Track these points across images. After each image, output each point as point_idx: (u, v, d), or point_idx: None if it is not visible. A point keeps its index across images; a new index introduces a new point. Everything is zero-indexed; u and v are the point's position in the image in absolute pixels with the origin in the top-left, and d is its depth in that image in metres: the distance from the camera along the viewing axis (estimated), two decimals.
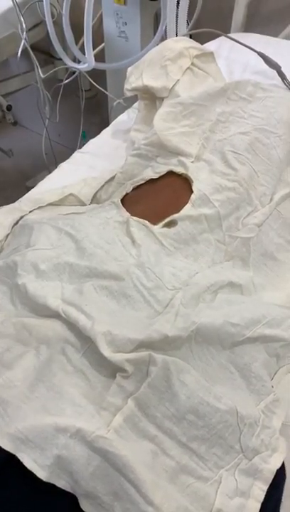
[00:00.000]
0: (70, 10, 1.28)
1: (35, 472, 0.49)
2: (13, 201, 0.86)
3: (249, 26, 1.38)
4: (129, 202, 0.78)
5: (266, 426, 0.58)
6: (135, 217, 0.73)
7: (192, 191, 0.75)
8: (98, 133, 1.10)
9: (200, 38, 1.04)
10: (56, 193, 0.85)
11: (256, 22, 1.39)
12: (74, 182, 0.89)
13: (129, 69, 0.99)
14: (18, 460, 0.50)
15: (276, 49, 1.12)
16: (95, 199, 0.87)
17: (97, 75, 1.50)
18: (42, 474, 0.49)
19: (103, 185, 0.87)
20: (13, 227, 0.79)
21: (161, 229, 0.72)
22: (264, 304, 0.69)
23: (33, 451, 0.50)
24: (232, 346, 0.63)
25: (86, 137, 1.57)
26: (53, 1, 1.48)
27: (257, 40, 1.18)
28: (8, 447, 0.50)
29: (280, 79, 1.06)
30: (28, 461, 0.50)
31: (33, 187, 0.96)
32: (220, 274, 0.69)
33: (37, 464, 0.50)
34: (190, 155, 0.80)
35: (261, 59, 1.07)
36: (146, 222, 0.72)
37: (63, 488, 0.50)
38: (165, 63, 0.92)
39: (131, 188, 0.79)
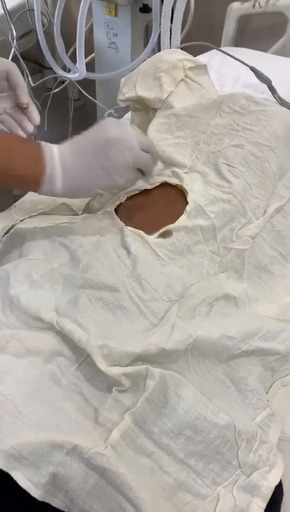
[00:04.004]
0: (61, 20, 1.28)
1: (29, 491, 0.48)
2: (1, 210, 0.85)
3: (238, 41, 1.40)
4: (122, 212, 0.77)
5: (264, 441, 0.57)
6: (130, 227, 0.72)
7: (186, 202, 0.75)
8: None
9: (191, 51, 1.05)
10: (48, 201, 0.84)
11: (246, 37, 1.42)
12: None
13: (122, 80, 0.98)
14: (12, 478, 0.48)
15: (266, 64, 1.13)
16: (87, 208, 0.85)
17: (86, 85, 1.50)
18: (36, 493, 0.48)
19: (96, 195, 0.86)
20: (3, 235, 0.77)
21: (156, 239, 0.71)
22: (259, 316, 0.69)
23: (28, 469, 0.48)
24: (227, 360, 0.63)
25: None
26: (44, 10, 1.48)
27: (248, 54, 1.19)
28: (1, 465, 0.48)
29: (270, 93, 1.07)
30: (22, 480, 0.48)
31: (19, 195, 0.94)
32: (215, 286, 0.69)
33: (31, 483, 0.48)
34: (184, 165, 0.80)
35: (252, 73, 1.08)
36: (141, 232, 0.71)
37: (58, 507, 0.48)
38: (159, 75, 0.92)
39: (124, 198, 0.79)
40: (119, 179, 0.66)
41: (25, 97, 0.78)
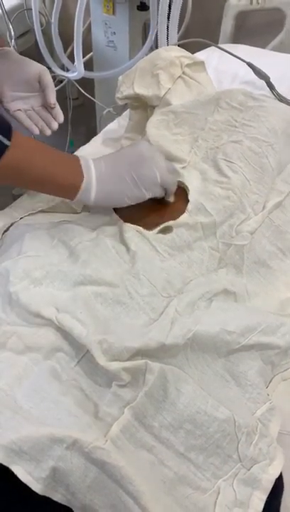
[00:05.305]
0: (59, 18, 1.29)
1: (30, 485, 0.48)
2: (1, 209, 0.85)
3: (236, 38, 1.40)
4: (121, 208, 0.77)
5: (264, 434, 0.57)
6: (129, 224, 0.72)
7: (186, 198, 0.75)
8: (85, 142, 1.10)
9: (189, 48, 1.05)
10: (47, 199, 0.84)
11: (244, 34, 1.41)
12: None
13: (120, 78, 0.98)
14: (12, 472, 0.48)
15: (264, 60, 1.13)
16: (86, 206, 0.86)
17: (85, 83, 1.50)
18: (37, 487, 0.48)
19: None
20: (3, 233, 0.78)
21: (156, 235, 0.72)
22: (259, 311, 0.69)
23: (28, 464, 0.48)
24: (227, 354, 0.63)
25: (73, 145, 1.56)
26: (42, 9, 1.48)
27: (246, 51, 1.19)
28: (1, 459, 0.49)
29: (269, 89, 1.07)
30: (23, 474, 0.48)
31: (19, 195, 0.95)
32: (215, 282, 0.69)
33: (32, 477, 0.48)
34: (183, 160, 0.81)
35: (250, 69, 1.08)
36: (140, 228, 0.72)
37: (59, 501, 0.48)
38: (156, 72, 0.92)
39: None
40: (146, 193, 0.72)
41: (53, 98, 0.85)
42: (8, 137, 0.62)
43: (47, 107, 0.86)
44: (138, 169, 0.71)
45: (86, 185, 0.69)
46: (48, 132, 0.87)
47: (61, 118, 0.88)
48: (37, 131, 0.86)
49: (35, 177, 0.67)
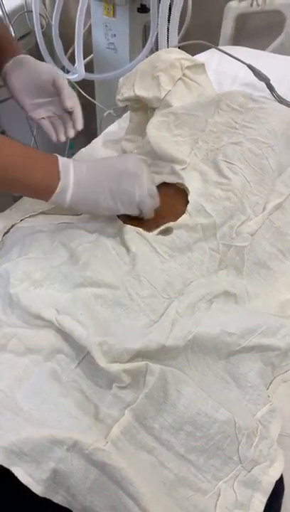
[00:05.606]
0: (59, 21, 1.29)
1: (30, 487, 0.48)
2: (1, 211, 0.85)
3: (236, 40, 1.40)
4: None
5: (264, 436, 0.57)
6: (129, 225, 0.72)
7: (187, 200, 0.75)
8: (86, 143, 1.10)
9: (189, 50, 1.05)
10: None
11: (244, 36, 1.42)
12: None
13: (121, 80, 0.99)
14: (13, 474, 0.48)
15: (264, 62, 1.13)
16: None
17: (85, 85, 1.50)
18: (37, 489, 0.48)
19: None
20: (3, 235, 0.78)
21: (156, 236, 0.72)
22: (259, 312, 0.69)
23: (29, 465, 0.48)
24: (227, 356, 0.63)
25: (73, 147, 1.57)
26: (43, 11, 1.49)
27: (246, 53, 1.19)
28: (1, 461, 0.48)
29: (269, 91, 1.07)
30: (23, 476, 0.48)
31: (19, 196, 0.95)
32: (215, 283, 0.69)
33: (32, 479, 0.48)
34: (183, 162, 0.81)
35: (251, 71, 1.08)
36: (140, 229, 0.72)
37: (60, 503, 0.48)
38: (157, 74, 0.92)
39: None
40: (121, 208, 0.70)
41: (69, 102, 0.82)
42: None
43: (66, 111, 0.83)
44: (118, 182, 0.69)
45: (62, 187, 0.67)
46: (62, 139, 0.84)
47: (79, 124, 0.84)
48: (54, 139, 0.84)
49: (7, 177, 0.65)
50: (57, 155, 0.69)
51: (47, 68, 0.83)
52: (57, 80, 0.81)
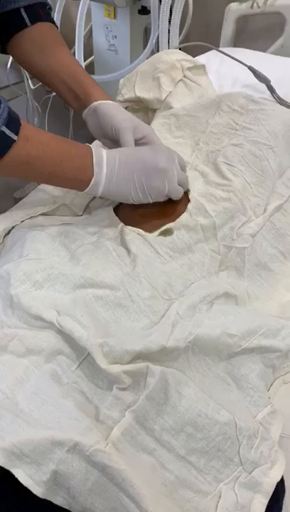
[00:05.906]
0: (60, 23, 1.29)
1: (30, 488, 0.48)
2: (2, 212, 0.85)
3: (237, 42, 1.40)
4: (122, 211, 0.78)
5: (265, 438, 0.57)
6: (129, 226, 0.72)
7: (188, 200, 0.75)
8: None
9: (190, 52, 1.05)
10: (48, 203, 0.84)
11: (245, 37, 1.42)
12: (66, 192, 0.88)
13: (121, 81, 0.99)
14: (13, 475, 0.48)
15: (264, 64, 1.13)
16: (88, 209, 0.86)
17: None
18: (38, 491, 0.48)
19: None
20: (4, 236, 0.78)
21: (157, 237, 0.72)
22: (260, 314, 0.69)
23: (29, 467, 0.48)
24: (228, 357, 0.63)
25: None
26: None
27: (246, 54, 1.19)
28: (2, 463, 0.48)
29: (269, 93, 1.07)
30: (24, 477, 0.48)
31: (20, 198, 0.95)
32: (216, 284, 0.69)
33: (33, 480, 0.48)
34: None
35: (251, 73, 1.08)
36: (141, 230, 0.72)
37: (60, 505, 0.48)
38: (157, 75, 0.93)
39: None
40: (150, 199, 0.74)
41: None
42: (16, 131, 0.62)
43: None
44: (149, 180, 0.71)
45: (95, 182, 0.70)
46: None
47: None
48: None
49: (43, 171, 0.68)
50: (91, 146, 0.72)
51: (109, 116, 0.80)
52: (151, 136, 0.80)
